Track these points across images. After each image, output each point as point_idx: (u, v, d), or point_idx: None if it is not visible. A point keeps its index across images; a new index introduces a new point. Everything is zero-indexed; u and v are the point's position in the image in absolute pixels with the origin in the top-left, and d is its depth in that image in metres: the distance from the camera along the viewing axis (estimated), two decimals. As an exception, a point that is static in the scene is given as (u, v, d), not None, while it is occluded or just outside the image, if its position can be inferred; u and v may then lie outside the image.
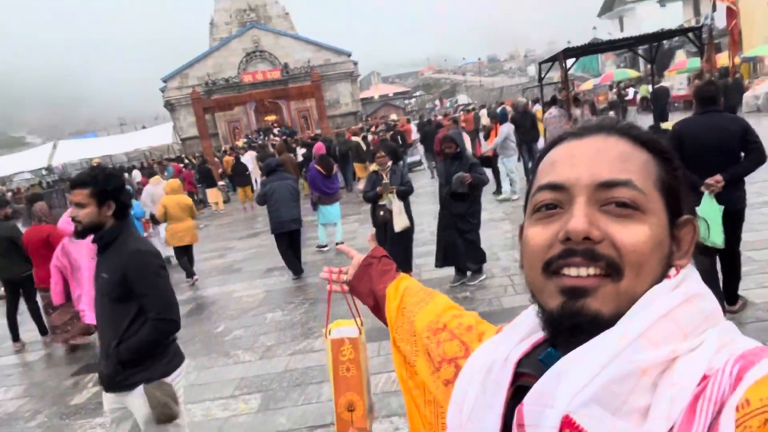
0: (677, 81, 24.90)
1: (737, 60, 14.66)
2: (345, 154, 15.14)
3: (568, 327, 0.61)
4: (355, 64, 40.57)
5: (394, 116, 42.71)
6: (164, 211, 7.93)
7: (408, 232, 6.39)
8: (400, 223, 6.20)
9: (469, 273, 6.08)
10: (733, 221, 4.03)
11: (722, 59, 17.33)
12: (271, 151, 16.73)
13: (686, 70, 23.49)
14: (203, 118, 19.50)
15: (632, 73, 30.63)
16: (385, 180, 6.28)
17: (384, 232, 6.31)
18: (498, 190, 10.80)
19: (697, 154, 3.89)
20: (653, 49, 12.30)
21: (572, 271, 0.62)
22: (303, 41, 39.29)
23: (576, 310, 0.61)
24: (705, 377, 0.55)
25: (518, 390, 0.65)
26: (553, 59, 12.76)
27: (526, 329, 0.72)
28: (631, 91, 25.87)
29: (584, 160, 0.65)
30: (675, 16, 34.76)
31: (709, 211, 3.83)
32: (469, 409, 0.70)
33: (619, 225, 0.62)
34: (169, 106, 37.80)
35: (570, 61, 12.65)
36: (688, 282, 0.63)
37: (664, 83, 26.57)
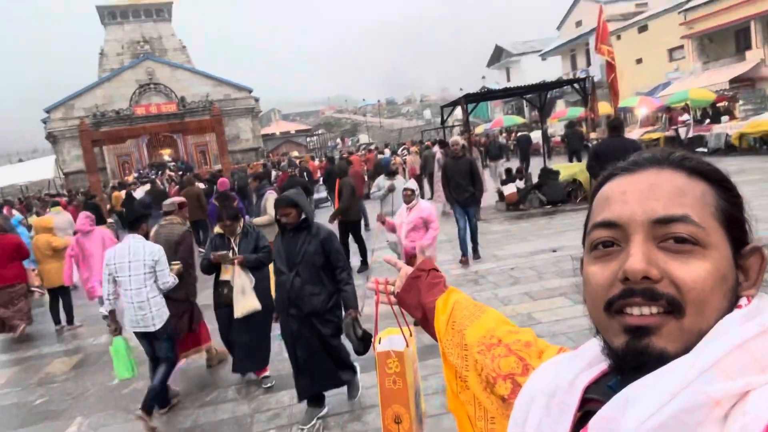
0: (558, 128, 27.30)
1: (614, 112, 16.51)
2: (243, 189, 14.79)
3: (634, 366, 0.61)
4: (257, 100, 40.16)
5: (296, 153, 42.52)
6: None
7: (261, 318, 4.68)
8: (243, 306, 4.53)
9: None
10: None
11: (602, 108, 19.28)
12: (161, 187, 15.86)
13: (566, 118, 25.80)
14: (91, 151, 18.09)
15: (519, 120, 33.22)
16: (233, 246, 4.66)
17: (229, 318, 4.66)
18: (363, 263, 8.32)
19: (607, 162, 6.04)
20: (542, 97, 13.39)
21: (634, 311, 0.61)
22: (201, 75, 38.30)
23: (641, 348, 0.60)
24: None
25: (585, 415, 0.65)
26: (454, 103, 13.50)
27: (592, 355, 0.70)
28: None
29: (637, 195, 0.65)
30: (555, 69, 38.72)
31: None
32: (533, 430, 0.70)
33: (678, 262, 0.61)
34: (52, 138, 34.91)
35: (470, 107, 13.42)
36: (766, 313, 0.61)
37: (549, 129, 29.10)
